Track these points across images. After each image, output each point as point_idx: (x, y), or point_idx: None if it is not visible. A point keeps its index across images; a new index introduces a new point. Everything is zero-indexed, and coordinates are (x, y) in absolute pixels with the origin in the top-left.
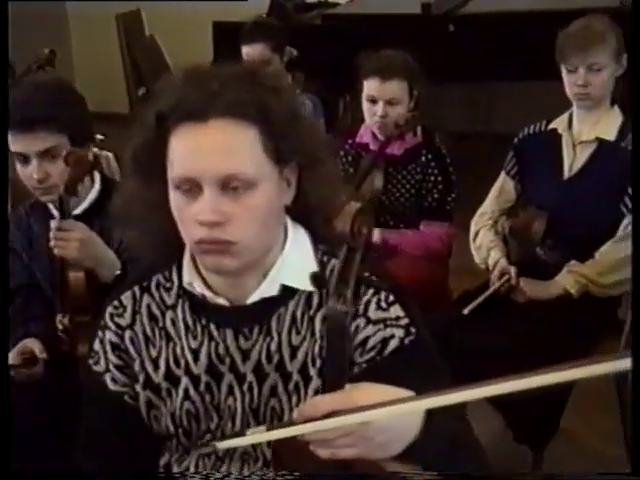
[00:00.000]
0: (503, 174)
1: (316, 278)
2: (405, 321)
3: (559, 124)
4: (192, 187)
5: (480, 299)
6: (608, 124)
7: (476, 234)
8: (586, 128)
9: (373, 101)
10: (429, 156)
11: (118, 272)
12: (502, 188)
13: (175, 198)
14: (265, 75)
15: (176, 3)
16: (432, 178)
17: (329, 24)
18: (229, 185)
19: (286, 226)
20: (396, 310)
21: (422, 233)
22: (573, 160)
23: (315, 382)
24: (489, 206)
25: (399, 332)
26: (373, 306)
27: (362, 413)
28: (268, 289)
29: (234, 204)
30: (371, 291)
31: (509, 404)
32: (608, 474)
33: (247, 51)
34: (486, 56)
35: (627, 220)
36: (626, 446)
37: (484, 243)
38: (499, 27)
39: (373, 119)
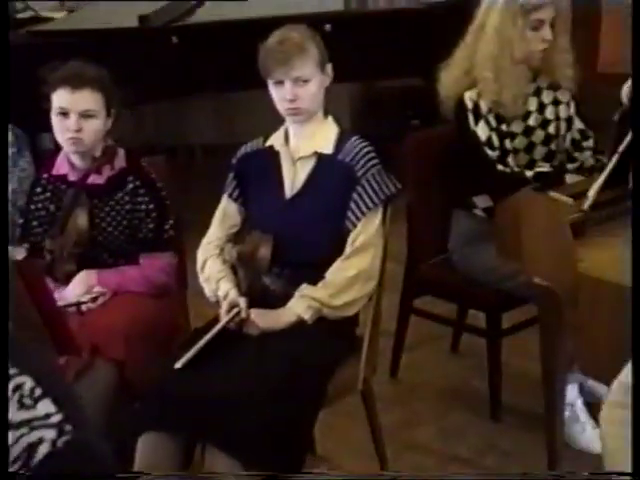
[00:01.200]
0: (225, 197)
1: None
2: (57, 418)
3: (275, 140)
4: None
5: (197, 347)
6: (324, 137)
7: (203, 265)
8: (303, 143)
9: (64, 114)
10: (137, 183)
11: None
12: (225, 212)
13: None
14: None
15: None
16: (143, 207)
17: (38, 41)
18: None
19: None
20: (45, 406)
21: (143, 267)
22: (294, 178)
23: None
24: (214, 233)
25: (50, 434)
26: (14, 405)
27: None
28: None
29: None
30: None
31: (243, 447)
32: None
33: None
34: (215, 66)
35: (353, 236)
36: (378, 457)
37: (212, 274)
38: (224, 36)
39: (65, 136)
